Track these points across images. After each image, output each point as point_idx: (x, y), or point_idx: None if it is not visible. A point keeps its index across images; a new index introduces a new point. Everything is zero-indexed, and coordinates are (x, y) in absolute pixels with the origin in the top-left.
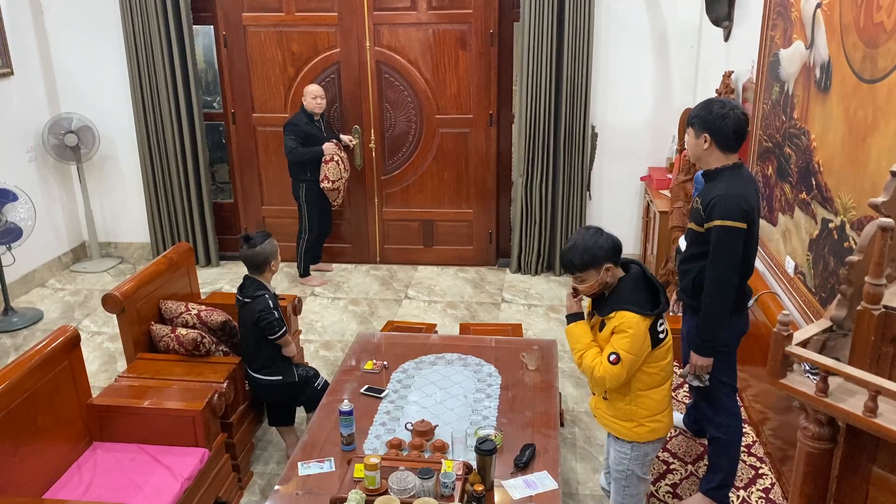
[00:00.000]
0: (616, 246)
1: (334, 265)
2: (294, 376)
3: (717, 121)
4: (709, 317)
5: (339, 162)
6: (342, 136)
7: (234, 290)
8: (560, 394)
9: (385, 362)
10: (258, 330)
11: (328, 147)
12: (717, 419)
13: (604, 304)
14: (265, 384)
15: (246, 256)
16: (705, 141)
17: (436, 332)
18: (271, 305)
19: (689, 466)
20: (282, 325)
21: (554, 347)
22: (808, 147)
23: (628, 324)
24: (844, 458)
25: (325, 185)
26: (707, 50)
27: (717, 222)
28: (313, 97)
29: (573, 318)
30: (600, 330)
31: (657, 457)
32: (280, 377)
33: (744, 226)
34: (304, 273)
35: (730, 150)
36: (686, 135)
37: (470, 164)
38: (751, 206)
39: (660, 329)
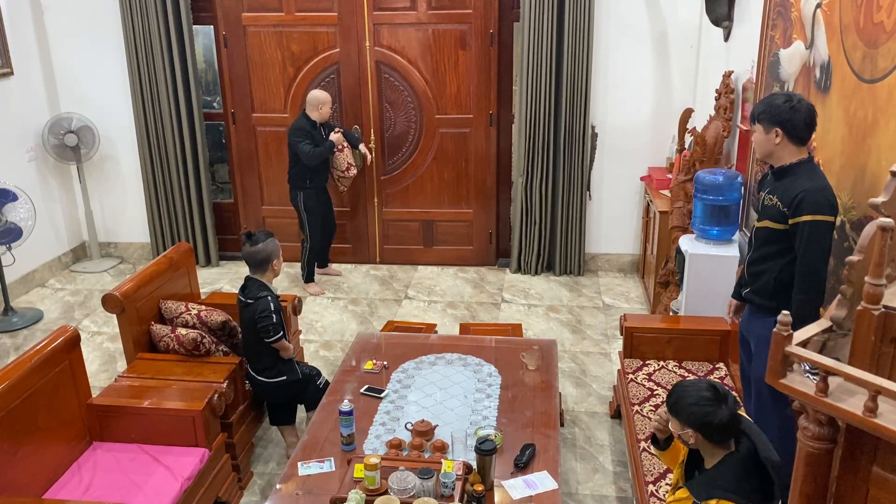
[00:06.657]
0: None
1: (335, 265)
2: (297, 374)
3: (788, 113)
4: (801, 313)
5: (348, 149)
6: (361, 147)
7: (235, 290)
8: (560, 394)
9: (385, 362)
10: (257, 331)
11: (337, 137)
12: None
13: (697, 477)
14: (269, 385)
15: (248, 254)
16: (777, 135)
17: (436, 332)
18: (272, 308)
19: None
20: (278, 329)
21: (554, 347)
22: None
23: None
24: (844, 458)
25: (352, 172)
26: (707, 50)
27: (808, 217)
28: (321, 105)
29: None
30: None
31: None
32: (284, 377)
33: (833, 219)
34: (308, 279)
35: (802, 142)
36: (753, 132)
37: (470, 164)
38: (836, 199)
39: None
